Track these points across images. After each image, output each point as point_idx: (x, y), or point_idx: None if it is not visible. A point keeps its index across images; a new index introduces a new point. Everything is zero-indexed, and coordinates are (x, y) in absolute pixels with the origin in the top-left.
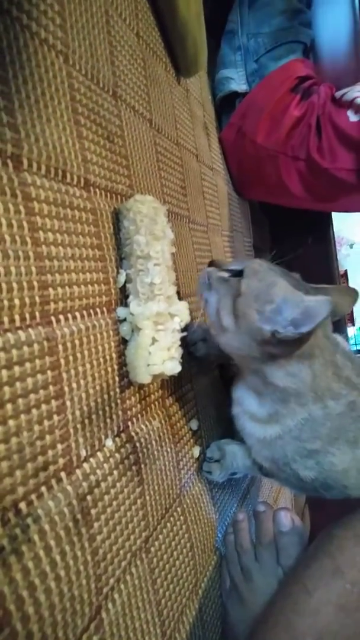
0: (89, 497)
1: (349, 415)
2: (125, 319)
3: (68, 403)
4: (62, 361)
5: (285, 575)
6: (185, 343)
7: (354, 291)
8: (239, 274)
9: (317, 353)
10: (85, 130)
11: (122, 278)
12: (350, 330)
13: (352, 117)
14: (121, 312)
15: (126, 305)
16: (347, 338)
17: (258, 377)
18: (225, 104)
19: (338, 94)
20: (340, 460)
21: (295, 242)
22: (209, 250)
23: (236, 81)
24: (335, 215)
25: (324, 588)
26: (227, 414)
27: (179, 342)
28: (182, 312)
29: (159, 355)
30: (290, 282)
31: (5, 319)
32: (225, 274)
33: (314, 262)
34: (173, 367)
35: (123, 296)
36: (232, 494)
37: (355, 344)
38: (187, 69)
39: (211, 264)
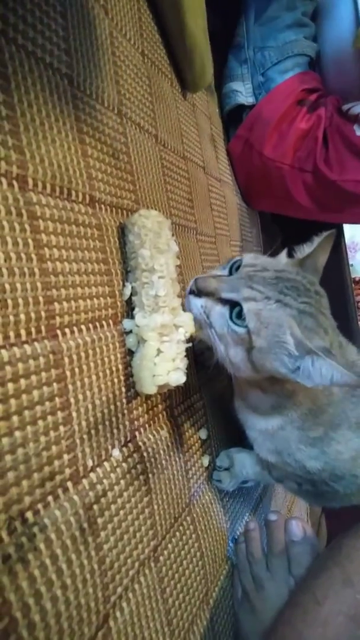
0: (95, 507)
1: (349, 400)
2: (131, 331)
3: (74, 414)
4: (68, 373)
5: (296, 585)
6: (193, 353)
7: (332, 235)
8: (236, 304)
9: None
10: (90, 149)
11: (127, 291)
12: None
13: (358, 131)
14: (127, 324)
15: (132, 317)
16: None
17: (265, 380)
18: (233, 117)
19: (345, 107)
20: (345, 447)
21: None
22: (217, 261)
23: (243, 94)
24: None
25: (333, 598)
26: (237, 422)
27: (184, 353)
28: (186, 324)
29: (163, 366)
30: (300, 317)
31: (12, 334)
32: (224, 309)
33: (325, 268)
34: (178, 377)
35: (129, 309)
36: (244, 503)
37: None
38: (194, 84)
39: (199, 291)
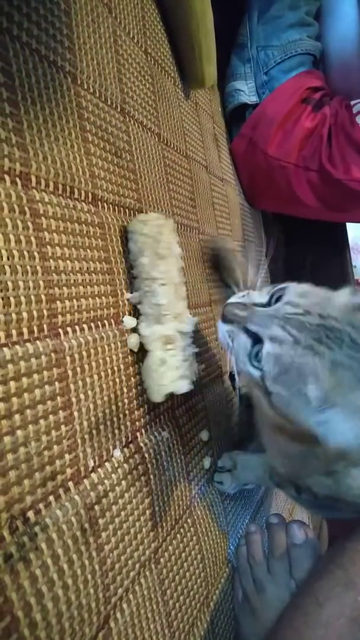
0: (97, 507)
1: None
2: (133, 331)
3: (76, 414)
4: (70, 372)
5: (298, 587)
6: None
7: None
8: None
9: None
10: (93, 147)
11: (134, 300)
12: None
13: None
14: (128, 321)
15: (133, 315)
16: None
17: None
18: (235, 116)
19: (353, 102)
20: (357, 483)
21: (309, 250)
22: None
23: (246, 93)
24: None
25: (335, 600)
26: (239, 425)
27: (192, 359)
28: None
29: (168, 375)
30: (334, 369)
31: (14, 332)
32: (247, 341)
33: (329, 270)
34: (183, 385)
35: (131, 308)
36: (245, 505)
37: None
38: (198, 81)
39: (226, 318)
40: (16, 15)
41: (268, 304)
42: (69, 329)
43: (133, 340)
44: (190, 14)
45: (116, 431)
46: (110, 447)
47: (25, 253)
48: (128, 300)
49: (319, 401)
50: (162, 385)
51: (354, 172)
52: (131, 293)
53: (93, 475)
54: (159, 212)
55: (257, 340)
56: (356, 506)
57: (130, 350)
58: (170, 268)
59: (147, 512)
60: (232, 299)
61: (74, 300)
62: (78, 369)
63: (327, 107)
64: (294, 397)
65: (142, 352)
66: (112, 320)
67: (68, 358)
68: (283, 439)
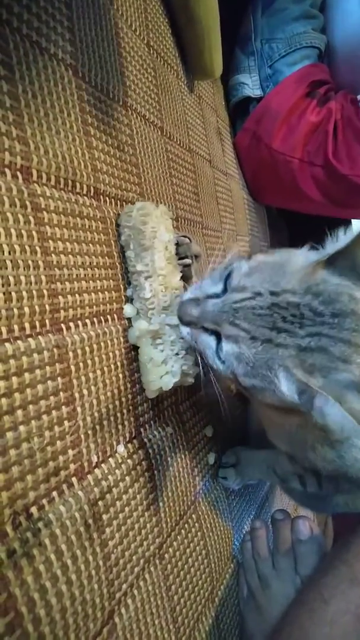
0: (100, 503)
1: None
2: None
3: (79, 409)
4: (73, 368)
5: (303, 584)
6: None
7: None
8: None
9: None
10: (95, 141)
11: (130, 292)
12: None
13: None
14: (128, 310)
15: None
16: None
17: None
18: (239, 110)
19: (356, 98)
20: None
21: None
22: (224, 256)
23: (250, 86)
24: None
25: (340, 597)
26: (244, 421)
27: (185, 352)
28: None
29: (155, 371)
30: (301, 357)
31: (16, 327)
32: (210, 338)
33: None
34: (169, 381)
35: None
36: (250, 501)
37: None
38: (207, 72)
39: (181, 320)
40: (16, 7)
41: (224, 291)
42: (71, 324)
43: (133, 335)
44: (200, 2)
45: (120, 427)
46: (114, 443)
47: (27, 248)
48: (127, 296)
49: (298, 394)
50: (151, 381)
51: (359, 167)
52: (129, 283)
53: (97, 470)
54: (150, 201)
55: (220, 335)
56: None
57: (133, 345)
58: (155, 259)
59: (152, 507)
60: (186, 295)
61: (76, 295)
62: (81, 365)
63: (333, 102)
64: (271, 389)
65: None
66: (114, 315)
67: (71, 353)
68: (279, 415)
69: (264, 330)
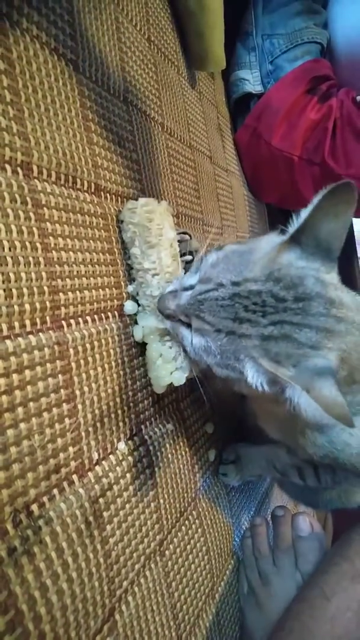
0: (101, 500)
1: None
2: (135, 322)
3: (79, 406)
4: (73, 365)
5: (304, 580)
6: None
7: (342, 190)
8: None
9: None
10: (95, 137)
11: (131, 289)
12: None
13: None
14: (128, 306)
15: (135, 300)
16: None
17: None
18: (240, 106)
19: (359, 98)
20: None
21: None
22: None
23: (251, 82)
24: None
25: (342, 593)
26: (244, 416)
27: None
28: None
29: (165, 367)
30: (266, 346)
31: (16, 324)
32: (187, 331)
33: None
34: (179, 377)
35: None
36: (250, 497)
37: None
38: (218, 61)
39: (161, 313)
40: (16, 0)
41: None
42: (72, 321)
43: (138, 332)
44: None
45: (120, 424)
46: (115, 440)
47: (28, 244)
48: (128, 293)
49: (268, 385)
50: (160, 377)
51: (355, 167)
52: (129, 280)
53: (97, 468)
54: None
55: None
56: (356, 471)
57: (135, 342)
58: (162, 256)
59: (152, 504)
60: (168, 288)
61: (77, 292)
62: (82, 362)
63: (334, 99)
64: (243, 380)
65: (146, 344)
66: (115, 312)
67: (71, 350)
68: (267, 402)
69: (227, 321)
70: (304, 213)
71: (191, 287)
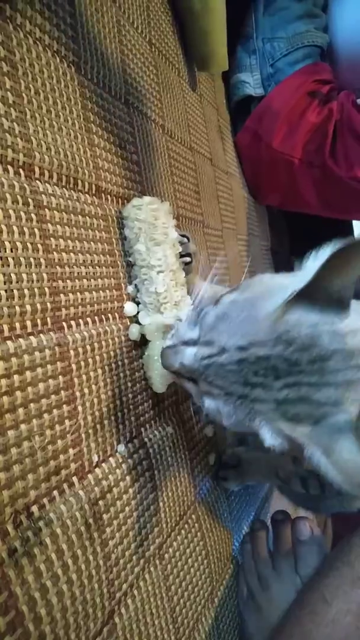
0: (101, 502)
1: None
2: (135, 321)
3: (80, 408)
4: (74, 366)
5: (304, 584)
6: None
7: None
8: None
9: None
10: (96, 138)
11: (131, 289)
12: None
13: None
14: (128, 307)
15: (135, 302)
16: None
17: None
18: (241, 108)
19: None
20: None
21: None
22: (224, 255)
23: (251, 85)
24: None
25: (342, 597)
26: None
27: None
28: None
29: None
30: (281, 410)
31: (17, 325)
32: (195, 387)
33: None
34: None
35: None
36: (250, 502)
37: None
38: (222, 62)
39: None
40: (20, 3)
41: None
42: (72, 323)
43: (134, 331)
44: None
45: (120, 426)
46: (115, 442)
47: (29, 245)
48: (128, 294)
49: (286, 447)
50: (163, 375)
51: (356, 171)
52: (129, 281)
53: (97, 470)
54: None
55: None
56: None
57: (134, 342)
58: (167, 254)
59: (152, 507)
60: (166, 342)
61: (78, 293)
62: (82, 363)
63: (335, 102)
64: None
65: (145, 345)
66: (115, 313)
67: (72, 352)
68: None
69: (237, 386)
70: (312, 267)
71: (192, 342)
